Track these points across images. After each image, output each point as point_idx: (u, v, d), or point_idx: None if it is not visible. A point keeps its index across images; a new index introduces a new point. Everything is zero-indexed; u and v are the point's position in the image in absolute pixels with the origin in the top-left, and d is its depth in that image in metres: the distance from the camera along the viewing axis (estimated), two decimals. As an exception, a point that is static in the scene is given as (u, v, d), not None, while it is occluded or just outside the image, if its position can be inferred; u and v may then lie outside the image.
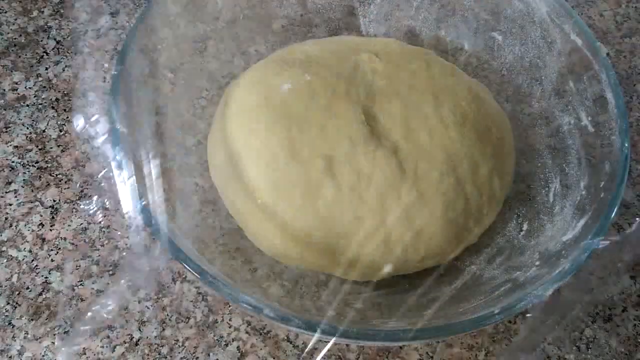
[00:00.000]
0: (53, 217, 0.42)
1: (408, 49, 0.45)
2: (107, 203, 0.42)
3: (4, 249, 0.41)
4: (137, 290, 0.39)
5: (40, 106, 0.47)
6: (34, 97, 0.47)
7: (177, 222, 0.35)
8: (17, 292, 0.39)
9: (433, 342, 0.39)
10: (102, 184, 0.43)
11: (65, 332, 0.38)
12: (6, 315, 0.38)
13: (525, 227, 0.40)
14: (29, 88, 0.48)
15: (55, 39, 0.51)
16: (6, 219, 0.42)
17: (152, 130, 0.37)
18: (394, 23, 0.49)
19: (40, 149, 0.45)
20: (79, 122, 0.36)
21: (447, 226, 0.37)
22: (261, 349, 0.38)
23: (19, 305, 0.39)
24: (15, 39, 0.50)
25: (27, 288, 0.39)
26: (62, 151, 0.45)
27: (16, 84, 0.48)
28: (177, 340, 0.38)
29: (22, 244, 0.41)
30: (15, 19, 0.51)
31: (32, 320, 0.38)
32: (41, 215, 0.42)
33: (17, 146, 0.45)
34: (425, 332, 0.30)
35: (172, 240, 0.31)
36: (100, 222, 0.42)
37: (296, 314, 0.29)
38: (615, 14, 0.57)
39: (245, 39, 0.47)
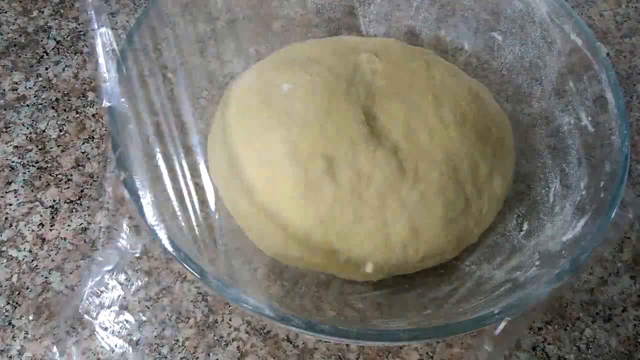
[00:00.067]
0: (53, 217, 0.42)
1: (408, 49, 0.45)
2: (108, 203, 0.42)
3: (4, 249, 0.41)
4: (137, 291, 0.39)
5: (40, 106, 0.47)
6: (34, 97, 0.47)
7: (177, 222, 0.35)
8: (17, 292, 0.39)
9: (433, 342, 0.39)
10: (103, 184, 0.43)
11: (65, 332, 0.38)
12: (6, 315, 0.38)
13: (525, 227, 0.40)
14: (29, 88, 0.48)
15: (55, 39, 0.51)
16: (6, 219, 0.42)
17: (152, 130, 0.37)
18: (394, 23, 0.49)
19: (40, 149, 0.45)
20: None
21: (447, 226, 0.37)
22: (261, 349, 0.38)
23: (19, 305, 0.39)
24: (15, 39, 0.50)
25: (27, 288, 0.39)
26: (62, 151, 0.45)
27: (16, 84, 0.48)
28: (177, 340, 0.38)
29: (22, 244, 0.41)
30: (15, 19, 0.51)
31: (32, 320, 0.38)
32: (41, 215, 0.42)
33: (17, 146, 0.45)
34: (425, 332, 0.30)
35: (172, 240, 0.31)
36: (100, 222, 0.42)
37: (296, 314, 0.29)
38: (615, 14, 0.57)
39: (245, 39, 0.47)
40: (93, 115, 0.47)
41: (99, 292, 0.39)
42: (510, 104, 0.45)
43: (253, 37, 0.47)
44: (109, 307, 0.39)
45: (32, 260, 0.40)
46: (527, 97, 0.44)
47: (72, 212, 0.42)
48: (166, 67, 0.41)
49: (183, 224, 0.35)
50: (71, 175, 0.44)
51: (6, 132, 0.46)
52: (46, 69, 0.49)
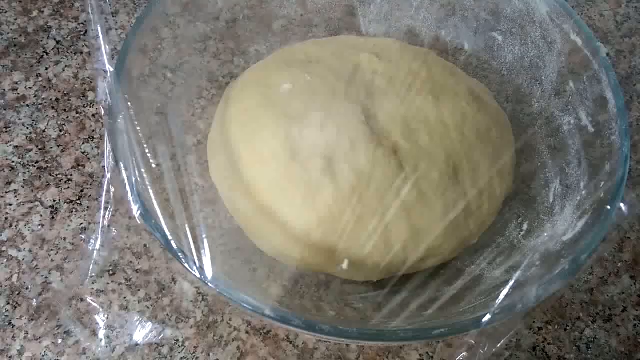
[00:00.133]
0: (53, 217, 0.42)
1: (408, 49, 0.45)
2: (108, 203, 0.42)
3: (4, 249, 0.41)
4: (138, 291, 0.39)
5: (40, 106, 0.47)
6: (34, 97, 0.47)
7: (177, 222, 0.35)
8: (17, 292, 0.39)
9: (433, 342, 0.39)
10: (103, 184, 0.43)
11: (65, 332, 0.38)
12: (6, 315, 0.38)
13: (525, 227, 0.40)
14: (29, 88, 0.48)
15: (55, 39, 0.51)
16: (6, 219, 0.42)
17: (152, 130, 0.37)
18: (394, 23, 0.49)
19: (40, 149, 0.45)
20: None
21: (447, 226, 0.37)
22: (261, 349, 0.38)
23: (19, 305, 0.39)
24: (15, 39, 0.50)
25: (27, 288, 0.39)
26: (62, 151, 0.45)
27: (16, 84, 0.48)
28: (177, 340, 0.38)
29: (22, 244, 0.41)
30: (15, 19, 0.51)
31: (32, 320, 0.38)
32: (41, 215, 0.42)
33: (17, 146, 0.45)
34: (425, 332, 0.30)
35: (172, 240, 0.31)
36: (100, 222, 0.42)
37: (296, 314, 0.29)
38: (615, 14, 0.57)
39: (245, 39, 0.47)
40: (93, 115, 0.47)
41: (99, 292, 0.39)
42: (510, 104, 0.45)
43: (253, 37, 0.48)
44: (109, 307, 0.39)
45: (32, 260, 0.40)
46: (527, 97, 0.44)
47: (72, 212, 0.42)
48: (166, 67, 0.41)
49: (183, 224, 0.35)
50: (71, 175, 0.44)
51: (6, 132, 0.46)
52: (46, 69, 0.49)
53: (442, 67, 0.43)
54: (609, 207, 0.33)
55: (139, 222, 0.32)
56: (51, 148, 0.45)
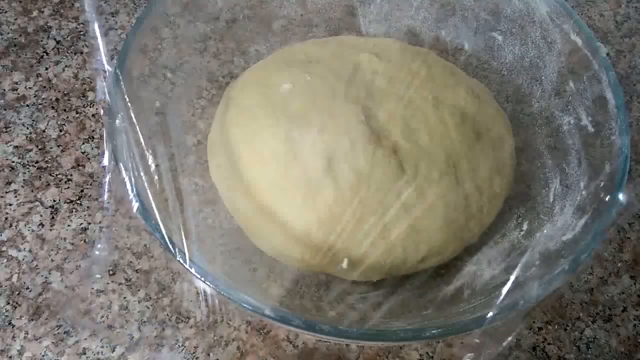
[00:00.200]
0: (53, 217, 0.42)
1: (408, 49, 0.45)
2: (108, 203, 0.42)
3: (4, 249, 0.41)
4: (138, 291, 0.39)
5: (40, 106, 0.47)
6: (34, 97, 0.47)
7: (177, 222, 0.35)
8: (17, 292, 0.39)
9: (433, 342, 0.39)
10: (103, 184, 0.43)
11: (65, 332, 0.38)
12: (6, 315, 0.38)
13: (525, 227, 0.40)
14: (29, 88, 0.48)
15: (55, 39, 0.51)
16: (6, 219, 0.42)
17: (152, 130, 0.37)
18: (394, 23, 0.49)
19: (40, 149, 0.45)
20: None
21: (447, 226, 0.37)
22: (261, 349, 0.38)
23: (19, 305, 0.39)
24: (15, 39, 0.50)
25: (27, 288, 0.39)
26: (62, 151, 0.45)
27: (16, 84, 0.48)
28: (177, 340, 0.38)
29: (22, 244, 0.41)
30: (15, 19, 0.51)
31: (32, 320, 0.38)
32: (41, 215, 0.42)
33: (17, 146, 0.45)
34: (425, 332, 0.30)
35: (172, 240, 0.31)
36: (100, 222, 0.42)
37: (296, 314, 0.29)
38: (615, 14, 0.57)
39: (245, 39, 0.47)
40: (93, 115, 0.47)
41: (99, 292, 0.39)
42: (510, 104, 0.45)
43: (253, 37, 0.48)
44: (109, 307, 0.39)
45: (32, 260, 0.40)
46: (527, 97, 0.44)
47: (72, 212, 0.42)
48: (166, 67, 0.41)
49: (183, 223, 0.35)
50: (71, 175, 0.44)
51: (6, 132, 0.46)
52: (46, 69, 0.49)
53: (442, 67, 0.43)
54: (608, 207, 0.33)
55: (138, 222, 0.32)
56: (51, 148, 0.45)
